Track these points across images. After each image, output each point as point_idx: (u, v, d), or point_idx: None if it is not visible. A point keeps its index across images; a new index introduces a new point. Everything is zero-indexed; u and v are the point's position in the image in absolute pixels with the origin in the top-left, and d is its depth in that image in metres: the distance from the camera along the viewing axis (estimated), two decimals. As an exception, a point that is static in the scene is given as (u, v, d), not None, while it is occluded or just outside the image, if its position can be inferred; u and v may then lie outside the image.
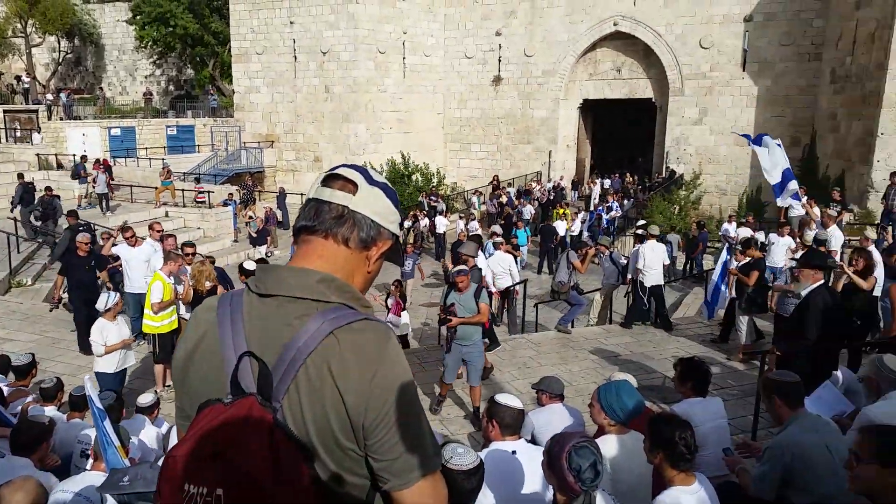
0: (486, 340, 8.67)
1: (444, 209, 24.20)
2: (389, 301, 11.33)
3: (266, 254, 19.73)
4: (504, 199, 24.86)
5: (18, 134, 29.16)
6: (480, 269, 10.14)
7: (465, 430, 7.67)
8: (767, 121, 25.02)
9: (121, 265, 11.03)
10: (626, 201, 24.24)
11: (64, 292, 12.26)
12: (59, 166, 26.38)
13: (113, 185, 22.01)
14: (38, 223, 17.31)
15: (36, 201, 17.77)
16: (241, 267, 9.78)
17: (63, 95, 32.92)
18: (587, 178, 31.07)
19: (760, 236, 14.47)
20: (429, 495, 1.44)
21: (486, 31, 29.74)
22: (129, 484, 3.12)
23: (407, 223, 22.42)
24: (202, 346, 1.48)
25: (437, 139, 31.25)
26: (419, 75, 29.83)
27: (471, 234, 16.88)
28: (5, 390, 5.72)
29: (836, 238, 11.52)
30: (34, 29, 39.62)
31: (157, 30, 38.15)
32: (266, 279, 1.48)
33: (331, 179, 1.54)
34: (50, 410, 5.49)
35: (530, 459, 3.52)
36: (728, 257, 10.58)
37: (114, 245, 11.75)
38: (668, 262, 11.80)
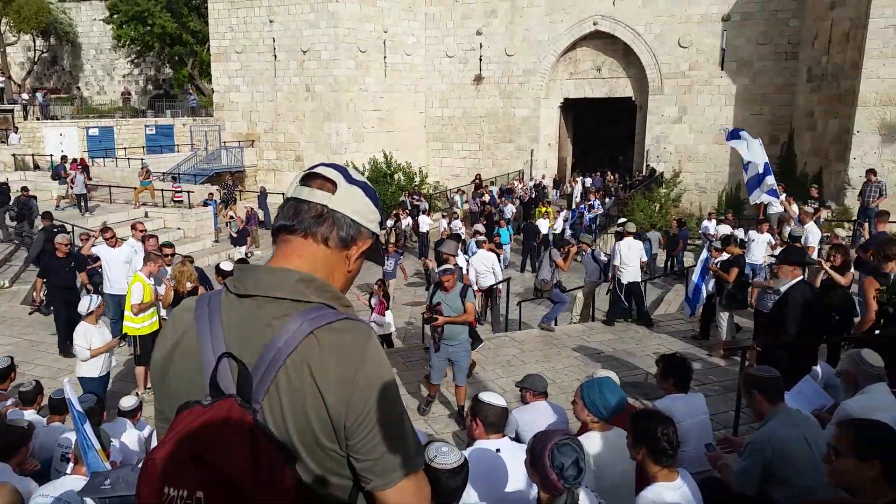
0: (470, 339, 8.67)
1: (427, 208, 24.19)
2: (373, 300, 11.30)
3: (246, 254, 19.58)
4: (486, 197, 24.90)
5: (-6, 134, 28.73)
6: (461, 268, 10.16)
7: (449, 429, 7.68)
8: (746, 119, 25.29)
9: (100, 266, 10.91)
10: (607, 199, 24.38)
11: (44, 295, 12.12)
12: (36, 167, 26.02)
13: (91, 186, 21.75)
14: (14, 224, 17.06)
15: (11, 202, 17.51)
16: (217, 268, 9.67)
17: (39, 95, 32.48)
18: (569, 176, 31.23)
19: (740, 233, 14.62)
20: (412, 494, 1.44)
21: (466, 31, 29.76)
22: (111, 487, 3.09)
23: (389, 222, 22.38)
24: (181, 348, 1.46)
25: (419, 138, 31.23)
26: (400, 74, 29.78)
27: (448, 233, 16.90)
28: (-18, 394, 5.64)
29: (813, 234, 11.65)
30: (8, 27, 39.05)
31: (134, 29, 37.74)
32: (245, 279, 1.46)
33: (309, 178, 1.53)
34: (29, 414, 5.41)
35: (514, 457, 3.53)
36: (707, 255, 10.69)
37: (93, 246, 11.62)
38: (645, 258, 11.87)
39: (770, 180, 9.65)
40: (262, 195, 25.70)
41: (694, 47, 26.14)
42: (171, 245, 10.26)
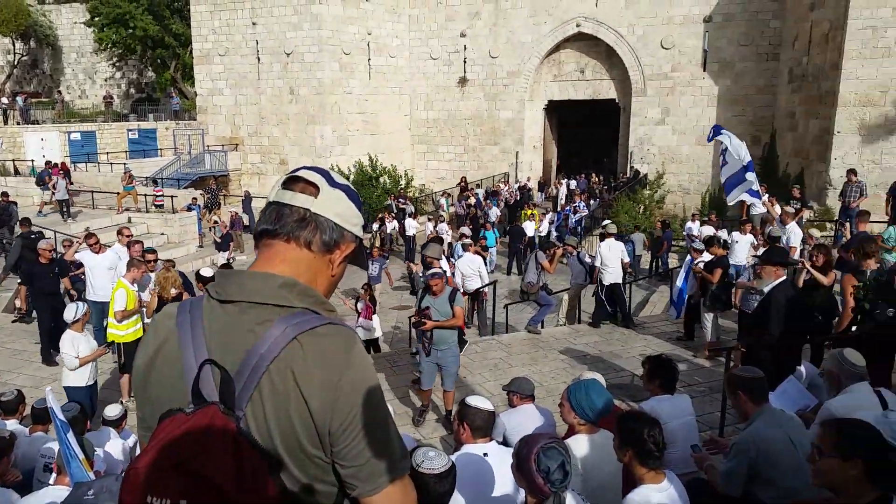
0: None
1: (413, 211, 24.16)
2: (359, 305, 11.27)
3: (228, 259, 19.42)
4: (472, 200, 24.91)
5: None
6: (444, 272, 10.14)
7: (437, 434, 7.67)
8: (728, 120, 25.47)
9: (83, 273, 10.80)
10: (592, 201, 24.48)
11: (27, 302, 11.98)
12: (17, 172, 25.72)
13: (73, 191, 21.53)
14: (-7, 231, 16.87)
15: (-9, 208, 17.31)
16: (197, 274, 9.58)
17: (19, 99, 32.14)
18: (554, 178, 31.32)
19: (723, 234, 14.73)
20: (398, 500, 1.43)
21: (450, 33, 29.80)
22: (94, 497, 3.06)
23: (374, 226, 22.33)
24: (162, 355, 1.45)
25: (404, 141, 31.20)
26: (385, 77, 29.75)
27: (433, 236, 16.89)
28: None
29: (795, 235, 11.77)
30: (-13, 31, 38.65)
31: (116, 32, 37.41)
32: (227, 285, 1.45)
33: (292, 182, 1.52)
34: (11, 424, 5.35)
35: (501, 462, 3.53)
36: (690, 258, 10.79)
37: (76, 252, 11.51)
38: (627, 259, 11.93)
39: (751, 177, 9.68)
40: (247, 199, 25.56)
41: (676, 48, 26.33)
42: (153, 251, 10.17)
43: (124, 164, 27.00)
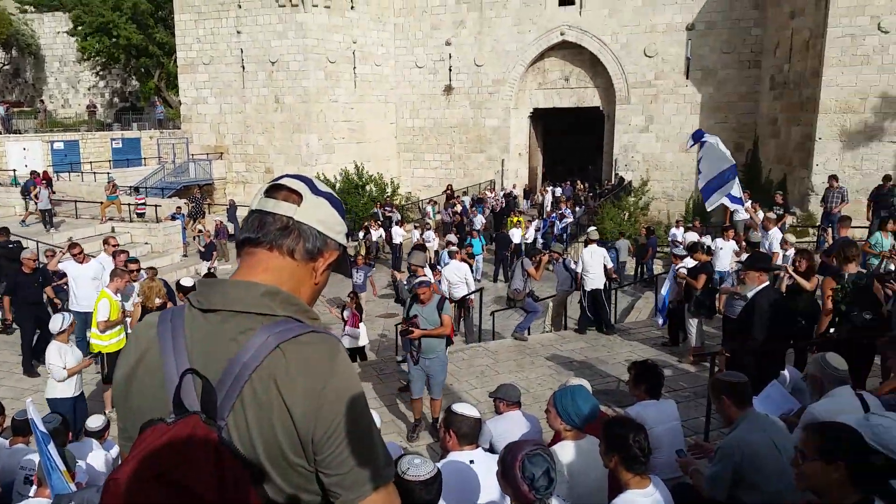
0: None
1: (399, 219, 24.16)
2: (345, 313, 11.24)
3: (210, 269, 19.26)
4: (459, 207, 24.95)
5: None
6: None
7: (424, 441, 7.65)
8: (711, 127, 25.65)
9: (66, 283, 10.70)
10: (577, 208, 24.59)
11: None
12: (-2, 182, 25.43)
13: (56, 201, 21.33)
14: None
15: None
16: (178, 284, 9.51)
17: (1, 108, 31.80)
18: (539, 186, 31.43)
19: (707, 240, 14.84)
20: None
21: (435, 41, 29.89)
22: (76, 510, 3.02)
23: (360, 234, 22.30)
24: (143, 365, 1.43)
25: (390, 149, 31.21)
26: (370, 85, 29.77)
27: (417, 244, 16.86)
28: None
29: (777, 240, 11.87)
30: (-32, 40, 38.31)
31: (99, 41, 37.19)
32: (209, 294, 1.44)
33: (274, 190, 1.51)
34: (-9, 437, 5.28)
35: (488, 469, 3.53)
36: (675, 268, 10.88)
37: (59, 262, 11.40)
38: (610, 265, 11.99)
39: (733, 184, 9.71)
40: (232, 208, 25.45)
41: (659, 56, 26.56)
42: (136, 261, 10.11)
43: (108, 173, 26.80)
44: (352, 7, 28.24)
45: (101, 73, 41.57)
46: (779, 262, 10.64)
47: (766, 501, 3.61)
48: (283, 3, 27.16)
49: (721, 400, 4.02)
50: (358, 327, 11.09)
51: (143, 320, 1.54)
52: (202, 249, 20.12)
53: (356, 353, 11.08)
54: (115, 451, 5.69)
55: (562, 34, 27.88)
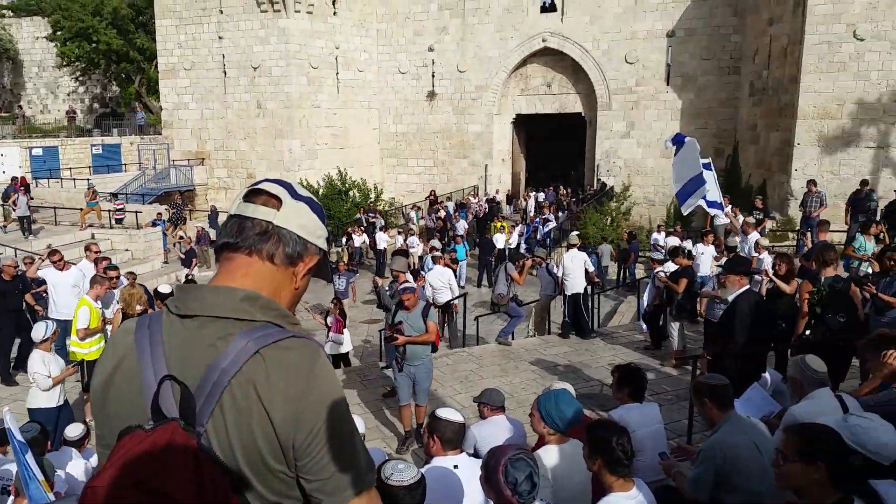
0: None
1: (383, 225, 24.13)
2: (329, 319, 11.20)
3: (188, 276, 19.06)
4: (442, 213, 24.97)
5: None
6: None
7: (409, 448, 7.62)
8: (691, 133, 25.78)
9: (45, 290, 10.56)
10: (560, 213, 24.70)
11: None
12: (-26, 188, 25.06)
13: (34, 207, 21.07)
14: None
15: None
16: (155, 291, 9.43)
17: (-22, 114, 31.44)
18: (522, 191, 31.55)
19: (688, 245, 14.96)
20: None
21: (418, 47, 29.95)
22: (55, 520, 2.98)
23: (343, 240, 22.23)
24: (121, 372, 1.42)
25: (373, 154, 31.18)
26: (353, 91, 29.75)
27: (398, 249, 16.84)
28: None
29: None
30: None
31: (79, 46, 36.86)
32: (186, 299, 1.42)
33: (253, 195, 1.50)
34: (-33, 447, 5.19)
35: (472, 473, 3.52)
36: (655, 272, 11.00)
37: (38, 269, 11.24)
38: (591, 268, 12.05)
39: (709, 187, 9.79)
40: (213, 214, 25.30)
41: (640, 63, 26.79)
42: (115, 268, 10.00)
43: (88, 179, 26.56)
44: (334, 13, 28.23)
45: (80, 78, 41.19)
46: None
47: (748, 503, 3.63)
48: (265, 8, 27.09)
49: (703, 402, 4.05)
50: (342, 333, 11.04)
51: (120, 327, 1.53)
52: (182, 256, 19.95)
53: (340, 359, 11.04)
54: (94, 459, 5.62)
55: (544, 41, 28.06)
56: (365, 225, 23.67)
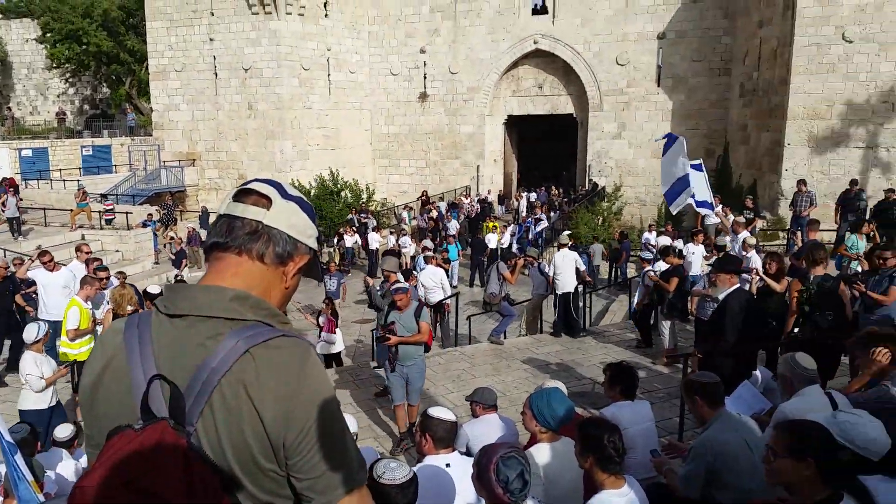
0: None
1: (375, 225, 24.12)
2: (321, 319, 11.17)
3: (177, 277, 18.96)
4: (434, 213, 24.98)
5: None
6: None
7: (403, 450, 7.61)
8: (682, 134, 25.69)
9: (35, 291, 10.50)
10: (552, 214, 24.74)
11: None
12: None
13: (23, 208, 20.96)
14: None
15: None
16: (145, 291, 9.38)
17: (-34, 115, 31.24)
18: (514, 191, 31.60)
19: (679, 244, 15.01)
20: None
21: (410, 49, 29.95)
22: (45, 521, 2.97)
23: (334, 241, 22.19)
24: (110, 371, 1.41)
25: (365, 155, 31.16)
26: (345, 92, 29.72)
27: (388, 249, 16.81)
28: None
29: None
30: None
31: (69, 48, 36.67)
32: (176, 298, 1.42)
33: (243, 194, 1.49)
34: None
35: (464, 472, 3.52)
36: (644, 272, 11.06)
37: (28, 270, 11.18)
38: (582, 267, 12.09)
39: (697, 187, 9.83)
40: (204, 215, 25.21)
41: (631, 65, 26.88)
42: (105, 268, 9.96)
43: (78, 180, 26.40)
44: (326, 15, 28.20)
45: (70, 80, 40.99)
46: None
47: (739, 499, 3.65)
48: (256, 10, 27.05)
49: (694, 400, 4.07)
50: (334, 333, 11.03)
51: (109, 326, 1.52)
52: (172, 257, 19.88)
53: (332, 359, 11.02)
54: (84, 460, 5.59)
55: (535, 43, 28.12)
56: (357, 225, 23.65)
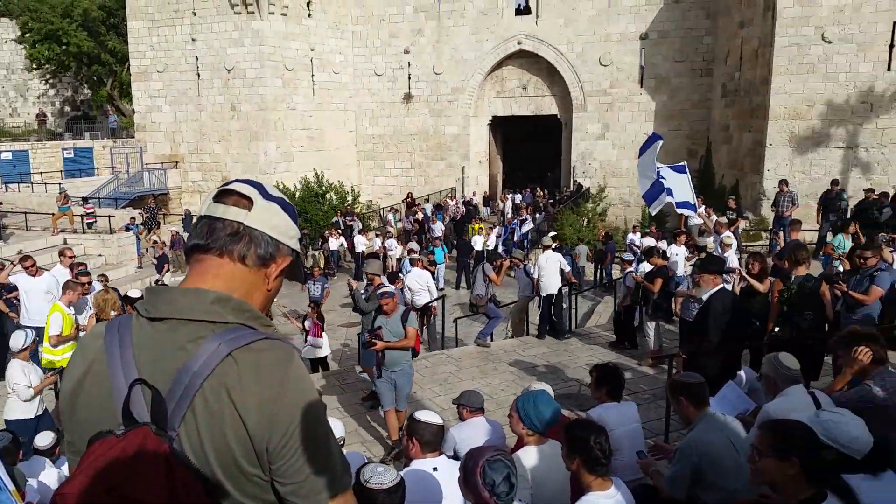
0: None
1: (361, 228, 24.05)
2: (307, 323, 11.13)
3: (156, 282, 18.80)
4: (420, 215, 24.95)
5: None
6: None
7: (388, 450, 7.60)
8: (665, 134, 26.13)
9: (17, 296, 10.35)
10: (537, 215, 24.79)
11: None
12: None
13: (2, 212, 20.70)
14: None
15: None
16: (125, 296, 9.29)
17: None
18: (500, 193, 31.64)
19: (663, 245, 15.10)
20: None
21: (394, 49, 29.92)
22: (27, 531, 2.93)
23: (319, 242, 22.10)
24: (90, 376, 1.39)
25: (350, 157, 31.08)
26: (329, 93, 29.63)
27: (371, 252, 16.72)
28: None
29: (732, 245, 12.13)
30: None
31: (48, 48, 36.26)
32: (156, 302, 1.40)
33: (224, 195, 1.48)
34: (-65, 458, 5.07)
35: (451, 476, 3.52)
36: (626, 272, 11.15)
37: (9, 275, 11.02)
38: (567, 268, 12.13)
39: (674, 186, 9.91)
40: (187, 218, 25.02)
41: (614, 65, 27.02)
42: (87, 273, 9.84)
43: (59, 183, 26.15)
44: (309, 15, 28.10)
45: (51, 81, 40.54)
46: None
47: (724, 499, 3.67)
48: (238, 10, 26.90)
49: (679, 401, 4.09)
50: (320, 337, 10.99)
51: (89, 331, 1.50)
52: (154, 261, 19.71)
53: (319, 364, 10.98)
54: (66, 467, 5.53)
55: (519, 43, 28.19)
56: (342, 228, 23.57)
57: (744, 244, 16.59)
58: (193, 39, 28.03)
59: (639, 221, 23.20)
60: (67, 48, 36.03)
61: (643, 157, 10.12)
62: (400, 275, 12.90)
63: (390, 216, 26.36)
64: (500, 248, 20.94)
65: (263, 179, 1.54)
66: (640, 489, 4.04)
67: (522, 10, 28.16)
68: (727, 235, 12.25)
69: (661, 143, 10.17)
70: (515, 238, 21.89)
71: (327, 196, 26.97)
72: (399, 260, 19.10)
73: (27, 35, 36.84)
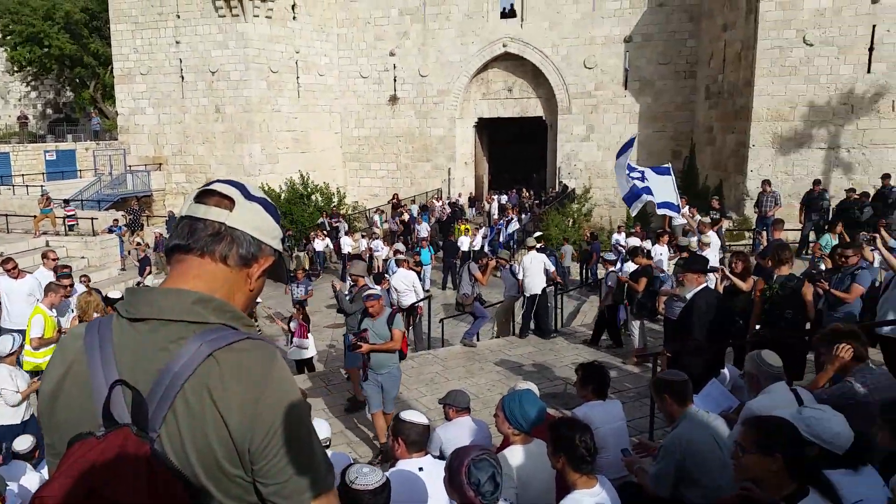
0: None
1: (347, 229, 23.99)
2: (292, 325, 11.09)
3: (137, 283, 18.61)
4: (406, 216, 24.94)
5: None
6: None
7: (375, 452, 7.58)
8: (649, 136, 26.45)
9: (-2, 300, 10.23)
10: (523, 216, 24.86)
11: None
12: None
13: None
14: None
15: None
16: (106, 297, 9.21)
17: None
18: (486, 194, 31.71)
19: (648, 245, 15.17)
20: None
21: (379, 52, 29.90)
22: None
23: (304, 244, 22.02)
24: (70, 378, 1.37)
25: (335, 158, 31.01)
26: (314, 95, 29.55)
27: (355, 253, 16.68)
28: None
29: (714, 245, 12.23)
30: None
31: (30, 50, 35.88)
32: (136, 302, 1.39)
33: (205, 195, 1.46)
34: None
35: (437, 476, 3.52)
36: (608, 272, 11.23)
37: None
38: (551, 268, 12.17)
39: (664, 190, 10.03)
40: (171, 220, 24.84)
41: (599, 68, 27.17)
42: (69, 276, 9.74)
43: (41, 186, 25.87)
44: (294, 17, 28.02)
45: (32, 83, 40.13)
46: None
47: (708, 495, 3.70)
48: (223, 13, 26.77)
49: (663, 399, 4.12)
50: (306, 338, 10.95)
51: (68, 332, 1.48)
52: (136, 263, 19.56)
53: (304, 365, 10.94)
54: (46, 470, 5.46)
55: (504, 46, 28.28)
56: (328, 229, 23.50)
57: (727, 244, 16.72)
58: (177, 42, 27.87)
59: (623, 221, 23.32)
60: (49, 51, 35.69)
61: (619, 160, 10.26)
62: (386, 275, 12.89)
63: (376, 217, 26.31)
64: (486, 249, 20.96)
65: (248, 181, 1.52)
66: (625, 487, 4.07)
67: (508, 14, 28.26)
68: (706, 235, 12.35)
69: (632, 149, 10.37)
70: (501, 238, 21.94)
71: (313, 197, 26.87)
72: (385, 261, 19.08)
73: (8, 37, 36.43)
